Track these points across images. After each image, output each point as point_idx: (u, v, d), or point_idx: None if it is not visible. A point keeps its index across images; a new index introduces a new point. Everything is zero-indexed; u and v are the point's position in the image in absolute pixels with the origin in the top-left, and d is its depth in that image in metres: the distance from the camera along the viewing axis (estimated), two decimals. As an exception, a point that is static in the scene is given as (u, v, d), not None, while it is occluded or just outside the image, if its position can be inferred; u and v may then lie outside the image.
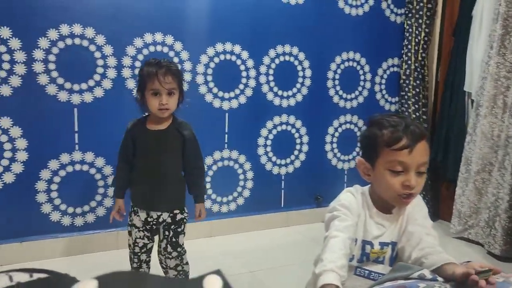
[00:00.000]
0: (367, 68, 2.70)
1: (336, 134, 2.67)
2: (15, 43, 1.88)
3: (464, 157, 2.36)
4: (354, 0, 2.58)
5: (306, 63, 2.51)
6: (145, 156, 1.55)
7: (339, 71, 2.61)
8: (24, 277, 0.41)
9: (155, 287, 0.36)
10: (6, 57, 1.87)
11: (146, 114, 1.58)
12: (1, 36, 1.85)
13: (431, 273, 0.85)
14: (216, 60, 2.28)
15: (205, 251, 2.15)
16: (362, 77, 2.70)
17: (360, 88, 2.70)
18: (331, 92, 2.61)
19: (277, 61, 2.43)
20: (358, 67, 2.68)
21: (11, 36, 1.87)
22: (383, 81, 2.77)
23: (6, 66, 1.88)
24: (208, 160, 2.33)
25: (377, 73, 2.74)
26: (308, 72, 2.53)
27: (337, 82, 2.62)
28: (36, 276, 0.43)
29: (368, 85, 2.72)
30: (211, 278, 0.37)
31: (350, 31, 2.60)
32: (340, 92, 2.64)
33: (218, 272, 0.37)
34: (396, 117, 1.04)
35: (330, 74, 2.59)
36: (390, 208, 1.08)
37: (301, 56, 2.49)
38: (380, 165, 1.02)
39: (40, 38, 1.92)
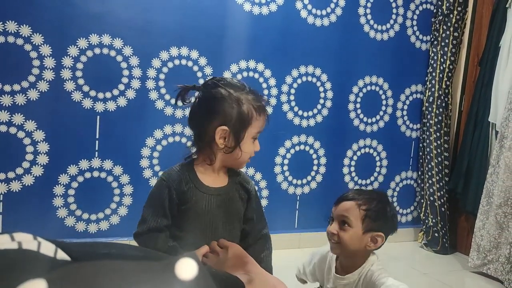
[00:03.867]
0: (389, 93, 2.68)
1: (355, 158, 2.64)
2: (46, 50, 1.94)
3: (485, 189, 2.29)
4: (379, 25, 2.58)
5: (328, 85, 2.51)
6: (197, 235, 1.03)
7: (361, 94, 2.60)
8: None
9: (118, 279, 0.33)
10: (36, 62, 1.93)
11: (190, 159, 1.09)
12: (34, 43, 1.92)
13: None
14: (239, 77, 2.30)
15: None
16: (384, 102, 2.68)
17: (381, 113, 2.68)
18: (352, 115, 2.60)
19: (299, 81, 2.44)
20: (381, 92, 2.66)
21: (42, 42, 1.93)
22: (405, 107, 2.74)
23: (35, 71, 1.94)
24: (224, 176, 2.33)
25: (400, 98, 2.72)
26: (330, 94, 2.52)
27: (358, 105, 2.60)
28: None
29: (389, 110, 2.70)
30: (185, 262, 0.34)
31: (374, 55, 2.60)
32: (361, 116, 2.62)
33: (193, 256, 0.35)
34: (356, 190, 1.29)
35: (351, 97, 2.58)
36: (348, 268, 1.19)
37: (324, 77, 2.49)
38: None
39: (70, 46, 1.98)
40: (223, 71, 2.26)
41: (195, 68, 2.20)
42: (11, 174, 1.94)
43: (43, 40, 1.93)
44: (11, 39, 1.88)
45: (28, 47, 1.91)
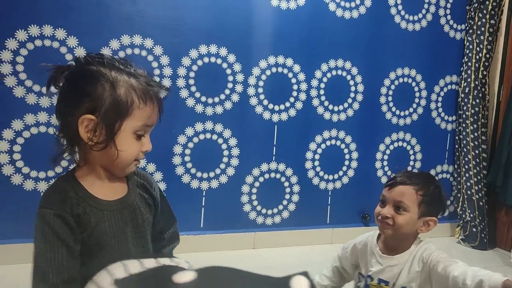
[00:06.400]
0: (422, 85, 2.61)
1: (388, 152, 2.59)
2: (80, 52, 1.99)
3: (527, 182, 2.20)
4: (411, 15, 2.51)
5: (358, 78, 2.47)
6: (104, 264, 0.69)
7: (393, 87, 2.55)
8: (151, 263, 0.49)
9: (244, 282, 0.39)
10: (71, 64, 1.99)
11: (58, 160, 0.82)
12: (69, 45, 1.98)
13: None
14: (268, 72, 2.30)
15: (247, 262, 2.15)
16: (417, 94, 2.61)
17: (414, 105, 2.61)
18: (384, 108, 2.54)
19: (329, 75, 2.41)
20: (414, 84, 2.59)
21: (77, 45, 1.99)
22: (440, 98, 2.66)
23: (71, 73, 2.00)
24: (255, 172, 2.34)
25: (434, 90, 2.64)
26: (361, 87, 2.48)
27: (390, 98, 2.55)
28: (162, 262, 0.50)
29: (423, 102, 2.63)
30: (299, 279, 0.39)
31: (406, 46, 2.53)
32: (393, 109, 2.56)
33: (305, 274, 0.39)
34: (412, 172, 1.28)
35: (383, 90, 2.53)
36: (395, 249, 1.19)
37: (354, 70, 2.45)
38: None
39: (103, 47, 2.03)
40: (252, 67, 2.26)
41: (224, 65, 2.21)
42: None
43: (78, 42, 1.99)
44: (47, 42, 1.95)
45: (63, 49, 1.97)
